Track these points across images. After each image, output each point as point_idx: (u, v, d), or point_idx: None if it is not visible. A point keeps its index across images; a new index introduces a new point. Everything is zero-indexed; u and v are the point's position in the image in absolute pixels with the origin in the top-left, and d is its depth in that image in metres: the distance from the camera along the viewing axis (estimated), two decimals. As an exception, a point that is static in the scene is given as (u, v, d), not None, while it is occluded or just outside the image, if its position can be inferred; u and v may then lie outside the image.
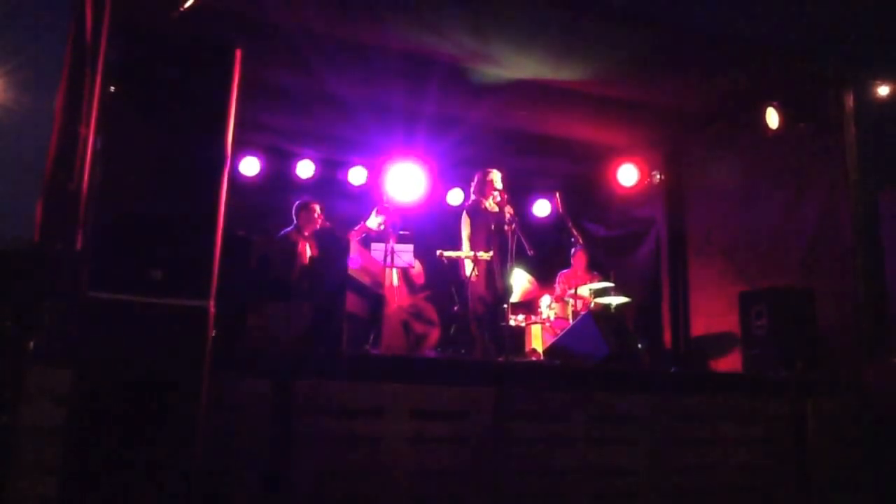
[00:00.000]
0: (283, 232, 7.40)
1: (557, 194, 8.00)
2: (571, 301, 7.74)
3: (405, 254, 7.30)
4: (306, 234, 7.39)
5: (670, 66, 6.83)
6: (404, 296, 7.58)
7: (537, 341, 7.45)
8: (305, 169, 9.21)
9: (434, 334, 7.40)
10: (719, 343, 7.94)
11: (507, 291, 6.98)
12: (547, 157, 9.42)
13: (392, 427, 4.28)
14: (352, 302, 6.17)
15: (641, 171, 9.21)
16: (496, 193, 7.24)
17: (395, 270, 7.49)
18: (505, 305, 6.92)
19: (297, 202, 7.61)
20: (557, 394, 4.78)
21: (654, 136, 8.80)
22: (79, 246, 3.93)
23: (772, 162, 7.51)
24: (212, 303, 3.52)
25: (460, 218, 7.40)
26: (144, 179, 3.52)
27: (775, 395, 5.50)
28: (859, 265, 6.50)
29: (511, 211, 7.01)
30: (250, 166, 8.93)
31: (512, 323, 7.27)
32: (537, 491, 4.57)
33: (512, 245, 6.82)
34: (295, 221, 7.47)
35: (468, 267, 6.99)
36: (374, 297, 6.86)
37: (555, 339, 6.53)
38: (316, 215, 7.44)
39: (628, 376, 5.28)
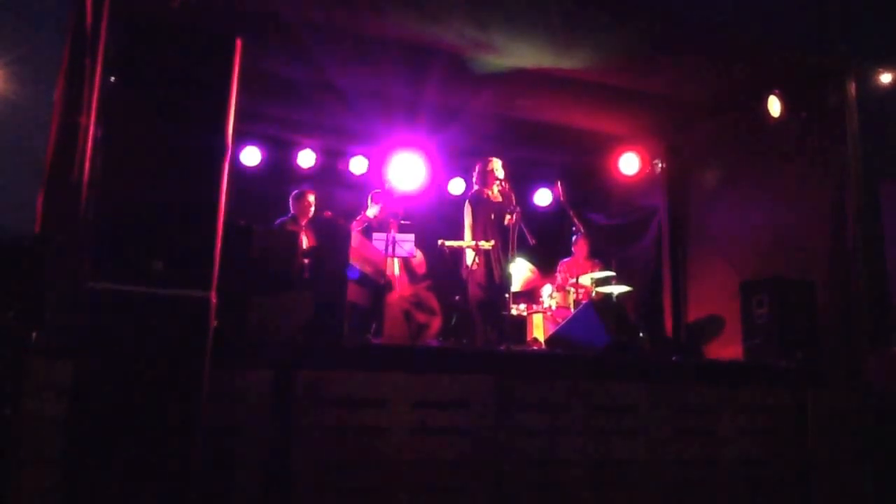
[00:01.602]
0: (279, 221, 7.41)
1: (559, 183, 7.99)
2: (573, 290, 7.75)
3: (406, 243, 7.30)
4: (303, 223, 7.41)
5: (671, 56, 6.80)
6: (405, 285, 7.59)
7: (539, 330, 7.46)
8: (306, 159, 9.20)
9: (435, 324, 7.40)
10: (708, 327, 7.95)
11: (509, 280, 6.98)
12: (548, 146, 9.40)
13: (393, 417, 4.29)
14: (353, 292, 6.17)
15: (643, 160, 9.19)
16: (499, 182, 7.22)
17: (396, 260, 7.49)
18: (506, 294, 6.92)
19: (293, 191, 7.63)
20: (558, 383, 4.78)
21: (656, 125, 8.77)
22: (80, 237, 3.93)
23: (773, 151, 7.48)
24: (213, 293, 3.52)
25: (462, 207, 7.40)
26: (145, 170, 3.51)
27: (776, 384, 5.51)
28: (860, 254, 6.49)
29: (513, 200, 7.00)
30: (251, 156, 8.93)
31: (513, 312, 7.28)
32: (538, 480, 4.58)
33: (513, 234, 6.81)
34: (291, 211, 7.49)
35: (469, 256, 7.00)
36: (375, 286, 6.86)
37: (556, 328, 6.53)
38: (307, 204, 7.46)
39: (629, 365, 5.29)
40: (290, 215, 7.46)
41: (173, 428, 3.35)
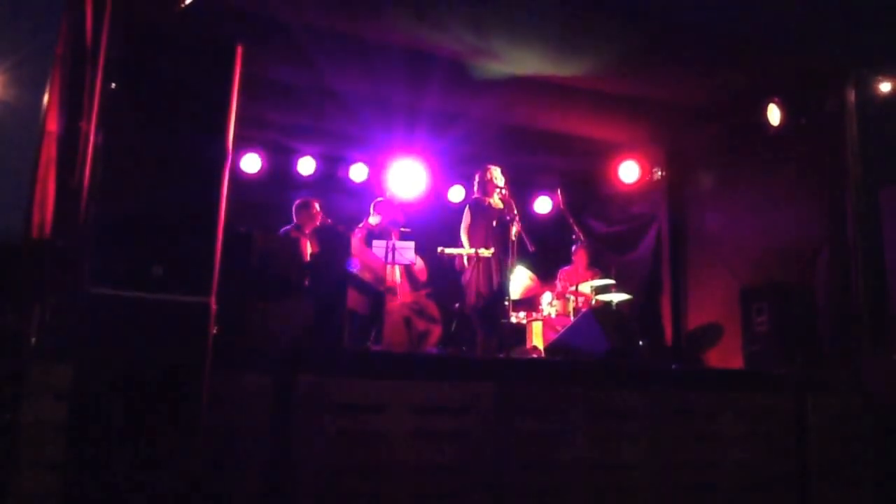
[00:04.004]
0: (283, 230, 7.41)
1: (559, 191, 8.00)
2: (573, 298, 7.75)
3: (407, 251, 7.30)
4: (307, 231, 7.40)
5: (671, 62, 6.81)
6: (406, 293, 7.59)
7: (538, 338, 7.45)
8: (306, 166, 9.20)
9: (436, 331, 7.40)
10: (707, 335, 7.96)
11: (508, 288, 6.98)
12: (548, 154, 9.40)
13: (393, 423, 4.28)
14: (353, 299, 6.17)
15: (642, 167, 9.20)
16: (499, 190, 7.21)
17: (396, 267, 7.50)
18: (506, 302, 6.91)
19: (297, 201, 7.62)
20: (558, 390, 4.78)
21: (656, 133, 8.78)
22: (80, 242, 3.93)
23: (773, 158, 7.48)
24: (213, 299, 3.52)
25: (461, 214, 7.39)
26: (145, 176, 3.52)
27: (776, 391, 5.50)
28: (860, 261, 6.48)
29: (514, 208, 6.99)
30: (251, 163, 8.92)
31: (513, 320, 7.27)
32: (538, 486, 4.57)
33: (514, 242, 6.81)
34: (294, 220, 7.48)
35: (467, 261, 7.03)
36: (375, 294, 6.86)
37: (556, 335, 6.53)
38: (315, 213, 7.45)
39: (629, 373, 5.28)
40: (293, 224, 7.45)
41: (173, 433, 3.35)
